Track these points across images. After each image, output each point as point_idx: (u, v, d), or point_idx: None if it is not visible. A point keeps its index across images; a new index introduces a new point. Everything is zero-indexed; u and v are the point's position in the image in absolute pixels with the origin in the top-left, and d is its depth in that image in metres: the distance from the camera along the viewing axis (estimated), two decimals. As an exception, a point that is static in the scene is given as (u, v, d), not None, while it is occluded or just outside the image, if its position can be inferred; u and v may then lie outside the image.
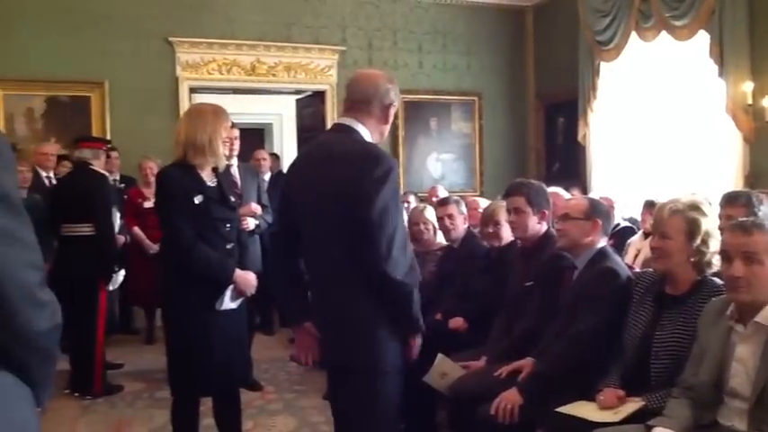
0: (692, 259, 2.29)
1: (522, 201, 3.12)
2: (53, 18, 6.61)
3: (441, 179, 7.96)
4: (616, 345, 2.47)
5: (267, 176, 6.43)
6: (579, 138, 7.27)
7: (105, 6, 6.78)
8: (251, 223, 4.26)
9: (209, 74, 7.25)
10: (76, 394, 4.54)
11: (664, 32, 6.08)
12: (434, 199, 5.85)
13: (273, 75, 7.49)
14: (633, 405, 2.22)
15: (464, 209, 3.99)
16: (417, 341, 2.28)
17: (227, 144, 3.06)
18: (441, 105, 8.13)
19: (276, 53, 7.45)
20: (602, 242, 2.76)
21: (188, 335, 2.92)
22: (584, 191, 6.95)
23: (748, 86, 5.30)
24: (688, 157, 6.14)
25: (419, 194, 6.93)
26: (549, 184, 7.50)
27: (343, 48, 7.68)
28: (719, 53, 5.49)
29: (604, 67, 6.96)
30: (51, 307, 1.26)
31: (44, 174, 5.65)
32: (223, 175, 3.10)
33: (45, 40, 6.56)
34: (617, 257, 2.76)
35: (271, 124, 10.98)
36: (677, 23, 5.90)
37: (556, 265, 2.91)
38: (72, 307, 4.41)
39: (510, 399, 2.52)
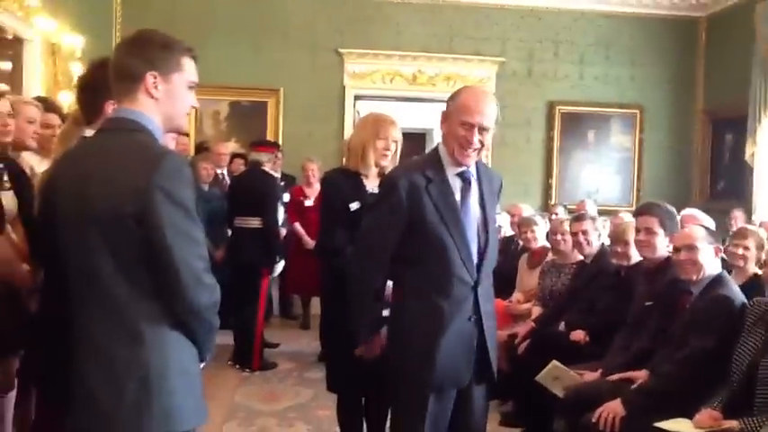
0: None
1: (654, 221, 3.19)
2: (238, 32, 7.40)
3: (595, 192, 7.88)
4: (724, 370, 2.51)
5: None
6: (746, 156, 6.92)
7: (283, 21, 7.48)
8: None
9: (373, 83, 7.74)
10: (237, 366, 5.17)
11: None
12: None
13: (433, 84, 7.82)
14: (728, 425, 2.29)
15: (600, 225, 4.07)
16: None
17: (385, 154, 2.99)
18: (600, 117, 8.04)
19: (437, 64, 7.78)
20: (719, 268, 2.79)
21: (336, 335, 2.97)
22: (749, 212, 6.63)
23: None
24: None
25: (568, 207, 6.94)
26: (712, 204, 7.30)
27: (503, 59, 7.85)
28: None
29: (779, 82, 6.58)
30: (212, 288, 1.65)
31: (219, 171, 6.36)
32: None
33: (231, 52, 7.35)
34: (733, 285, 2.77)
35: (432, 129, 11.37)
36: None
37: (674, 289, 2.97)
38: (238, 290, 5.09)
39: (613, 409, 2.65)
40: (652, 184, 8.04)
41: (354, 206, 2.94)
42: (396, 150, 3.05)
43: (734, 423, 2.31)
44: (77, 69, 5.72)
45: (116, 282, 1.56)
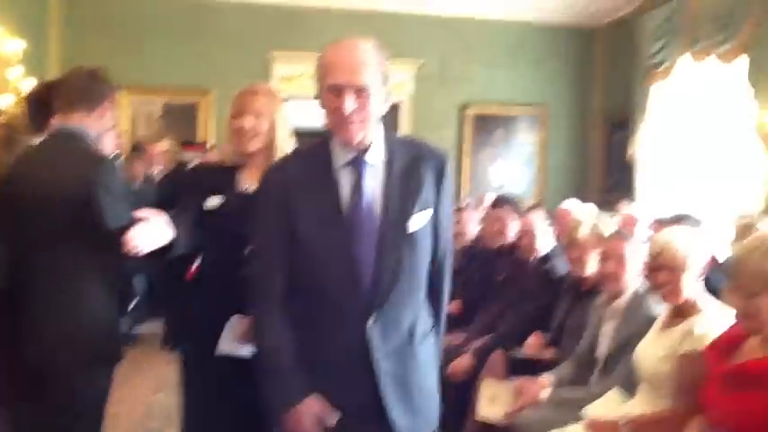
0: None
1: (504, 212, 3.91)
2: (173, 36, 7.89)
3: (502, 187, 8.62)
4: (546, 327, 3.23)
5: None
6: (628, 154, 7.76)
7: (215, 24, 8.00)
8: None
9: (301, 85, 8.29)
10: (169, 348, 5.70)
11: (711, 56, 6.52)
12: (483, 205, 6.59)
13: (359, 86, 8.42)
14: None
15: (475, 216, 4.77)
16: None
17: (242, 136, 2.32)
18: (507, 118, 8.81)
19: (359, 67, 8.38)
20: (551, 247, 3.52)
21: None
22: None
23: (776, 110, 5.67)
24: (726, 174, 6.56)
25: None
26: (606, 196, 8.09)
27: (419, 63, 8.52)
28: (756, 77, 5.92)
29: (656, 87, 7.42)
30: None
31: (155, 169, 6.84)
32: None
33: (165, 54, 7.84)
34: (559, 260, 3.49)
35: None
36: (722, 48, 6.33)
37: (518, 264, 3.68)
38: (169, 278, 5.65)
39: (462, 362, 3.33)
40: (554, 179, 8.85)
41: (212, 202, 2.31)
42: (271, 130, 2.33)
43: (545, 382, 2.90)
44: (18, 72, 6.12)
45: (64, 254, 2.14)
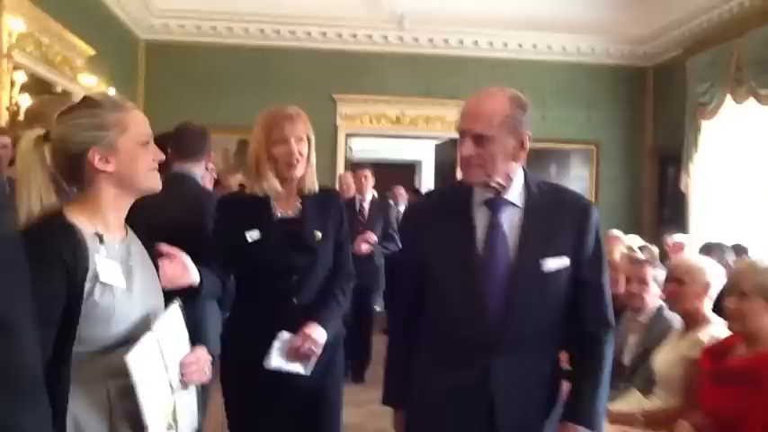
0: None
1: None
2: (246, 81, 8.63)
3: (557, 219, 8.96)
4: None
5: (402, 208, 7.95)
6: (681, 187, 8.02)
7: (283, 69, 8.70)
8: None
9: (362, 123, 8.91)
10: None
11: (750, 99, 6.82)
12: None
13: (415, 124, 9.00)
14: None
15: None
16: None
17: (291, 162, 2.39)
18: (561, 153, 9.18)
19: (417, 107, 8.96)
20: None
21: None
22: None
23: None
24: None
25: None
26: (660, 229, 8.36)
27: (475, 102, 9.00)
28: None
29: (705, 124, 7.70)
30: None
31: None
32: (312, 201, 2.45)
33: (240, 97, 8.56)
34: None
35: (421, 161, 12.54)
36: (763, 91, 6.62)
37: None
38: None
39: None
40: (608, 212, 9.06)
41: (253, 235, 2.34)
42: (309, 152, 2.48)
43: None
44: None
45: None
